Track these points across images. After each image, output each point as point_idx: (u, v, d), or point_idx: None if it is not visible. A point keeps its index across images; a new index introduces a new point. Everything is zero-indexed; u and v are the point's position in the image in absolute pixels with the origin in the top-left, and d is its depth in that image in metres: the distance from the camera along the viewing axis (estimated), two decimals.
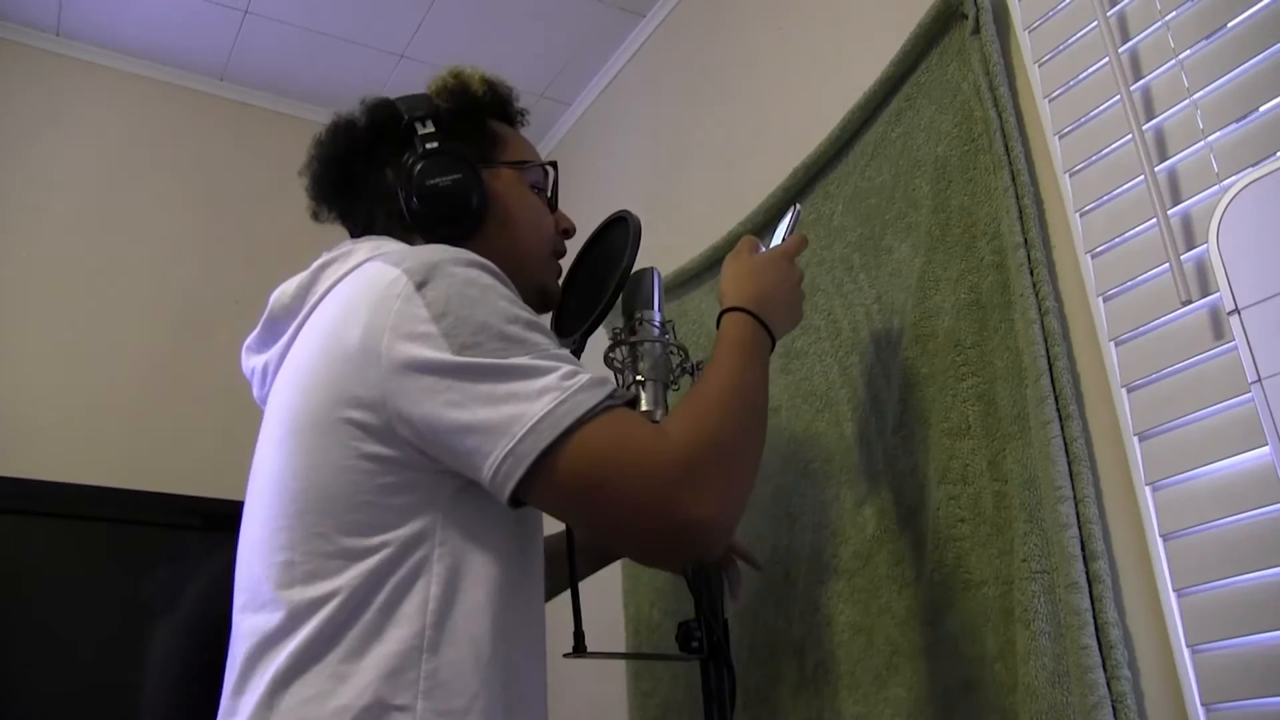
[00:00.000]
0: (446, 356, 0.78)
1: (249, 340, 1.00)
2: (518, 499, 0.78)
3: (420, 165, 0.97)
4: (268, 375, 0.95)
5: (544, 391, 0.77)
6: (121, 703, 1.72)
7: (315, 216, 1.06)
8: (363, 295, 0.84)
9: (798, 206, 1.22)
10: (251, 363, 0.99)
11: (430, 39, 2.26)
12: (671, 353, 1.15)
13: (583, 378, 0.79)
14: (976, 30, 1.22)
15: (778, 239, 1.16)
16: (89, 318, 2.05)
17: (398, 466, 0.81)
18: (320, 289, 0.91)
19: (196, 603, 1.80)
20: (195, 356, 2.10)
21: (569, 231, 1.12)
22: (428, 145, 0.99)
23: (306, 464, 0.83)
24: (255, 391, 1.00)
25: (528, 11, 2.20)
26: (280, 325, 0.95)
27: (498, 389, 0.77)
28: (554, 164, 1.11)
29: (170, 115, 2.31)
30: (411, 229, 0.99)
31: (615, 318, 1.17)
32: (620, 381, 1.15)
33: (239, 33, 2.23)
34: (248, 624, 0.84)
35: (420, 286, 0.81)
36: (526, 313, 0.84)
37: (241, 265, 2.23)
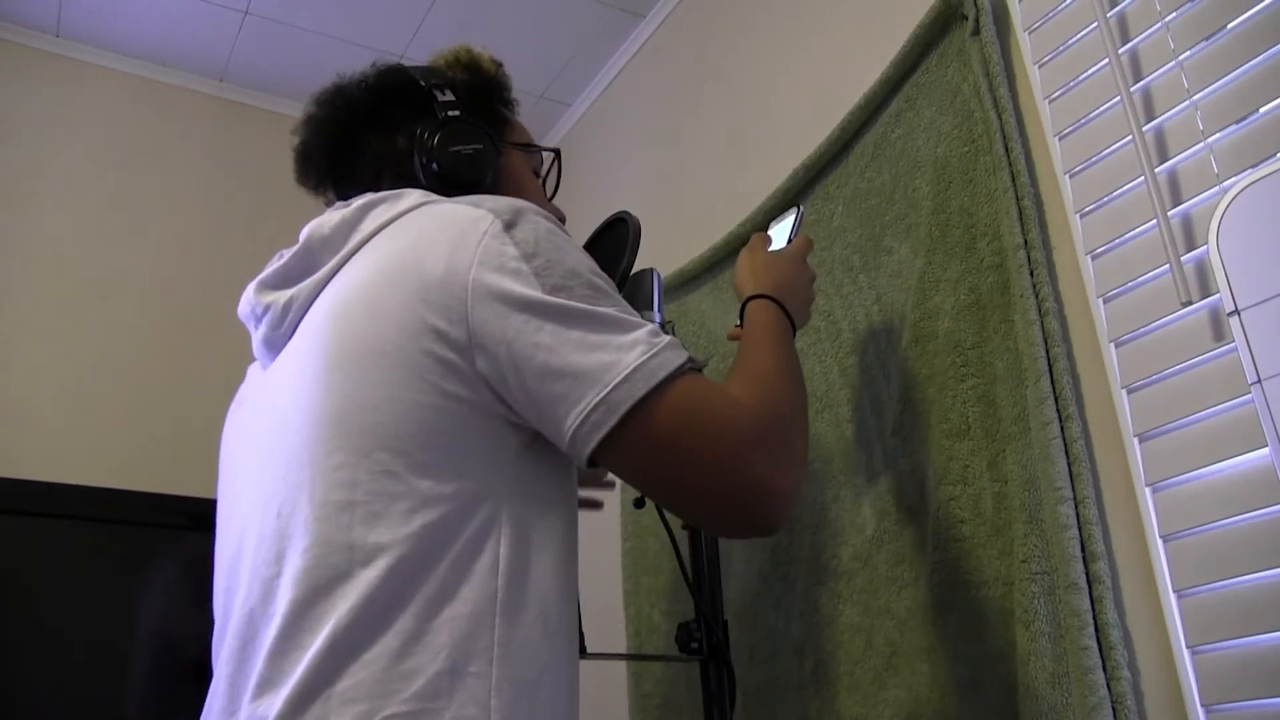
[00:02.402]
0: (538, 294, 0.76)
1: (263, 276, 0.92)
2: (592, 457, 0.76)
3: (443, 131, 0.96)
4: (290, 310, 0.89)
5: (635, 344, 0.76)
6: (118, 702, 1.72)
7: (301, 183, 1.02)
8: (443, 230, 0.81)
9: (800, 207, 1.22)
10: (266, 299, 0.91)
11: (430, 40, 2.25)
12: None
13: (666, 338, 0.78)
14: (976, 31, 1.22)
15: (781, 240, 1.16)
16: (89, 318, 2.05)
17: (470, 410, 0.77)
18: (367, 227, 0.87)
19: (195, 603, 1.80)
20: (195, 356, 2.09)
21: (561, 221, 1.12)
22: (449, 113, 0.97)
23: (379, 397, 0.77)
24: (264, 331, 0.91)
25: (527, 12, 2.20)
26: (317, 258, 0.89)
27: (589, 336, 0.76)
28: (558, 151, 1.11)
29: (170, 116, 2.31)
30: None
31: None
32: None
33: (239, 33, 2.23)
34: (278, 570, 0.76)
35: (509, 226, 0.80)
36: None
37: (241, 266, 2.20)
